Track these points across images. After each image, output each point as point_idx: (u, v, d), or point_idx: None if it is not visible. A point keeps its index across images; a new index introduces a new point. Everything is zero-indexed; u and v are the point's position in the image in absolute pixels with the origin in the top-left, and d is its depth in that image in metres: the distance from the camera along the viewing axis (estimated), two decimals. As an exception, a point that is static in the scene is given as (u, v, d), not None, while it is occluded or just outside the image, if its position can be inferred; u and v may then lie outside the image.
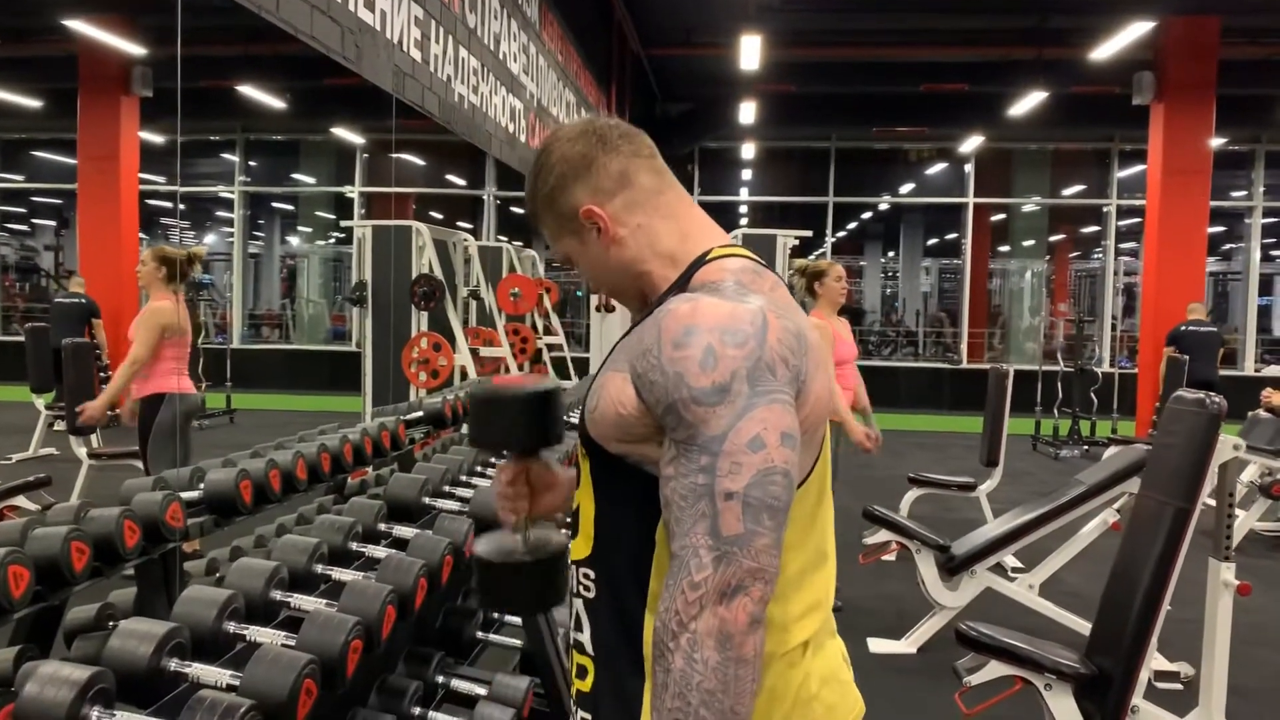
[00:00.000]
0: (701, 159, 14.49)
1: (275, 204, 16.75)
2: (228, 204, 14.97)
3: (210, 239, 18.14)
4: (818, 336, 1.15)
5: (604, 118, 1.30)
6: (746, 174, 16.01)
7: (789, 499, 1.03)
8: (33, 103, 12.27)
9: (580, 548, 1.22)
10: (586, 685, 1.21)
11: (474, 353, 6.93)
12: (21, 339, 8.09)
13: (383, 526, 2.39)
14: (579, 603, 1.22)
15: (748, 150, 14.53)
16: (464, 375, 6.48)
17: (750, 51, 8.94)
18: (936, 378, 13.88)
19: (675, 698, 0.99)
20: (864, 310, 18.14)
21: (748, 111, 11.72)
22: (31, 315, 12.61)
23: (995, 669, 2.81)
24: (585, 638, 1.21)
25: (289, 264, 17.75)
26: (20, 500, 4.64)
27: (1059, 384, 10.52)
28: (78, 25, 9.14)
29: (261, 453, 2.84)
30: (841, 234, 16.83)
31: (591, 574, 1.20)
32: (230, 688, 1.45)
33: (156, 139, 12.44)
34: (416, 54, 3.71)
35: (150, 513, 2.16)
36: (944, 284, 18.69)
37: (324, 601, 1.83)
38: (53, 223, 18.15)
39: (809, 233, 7.69)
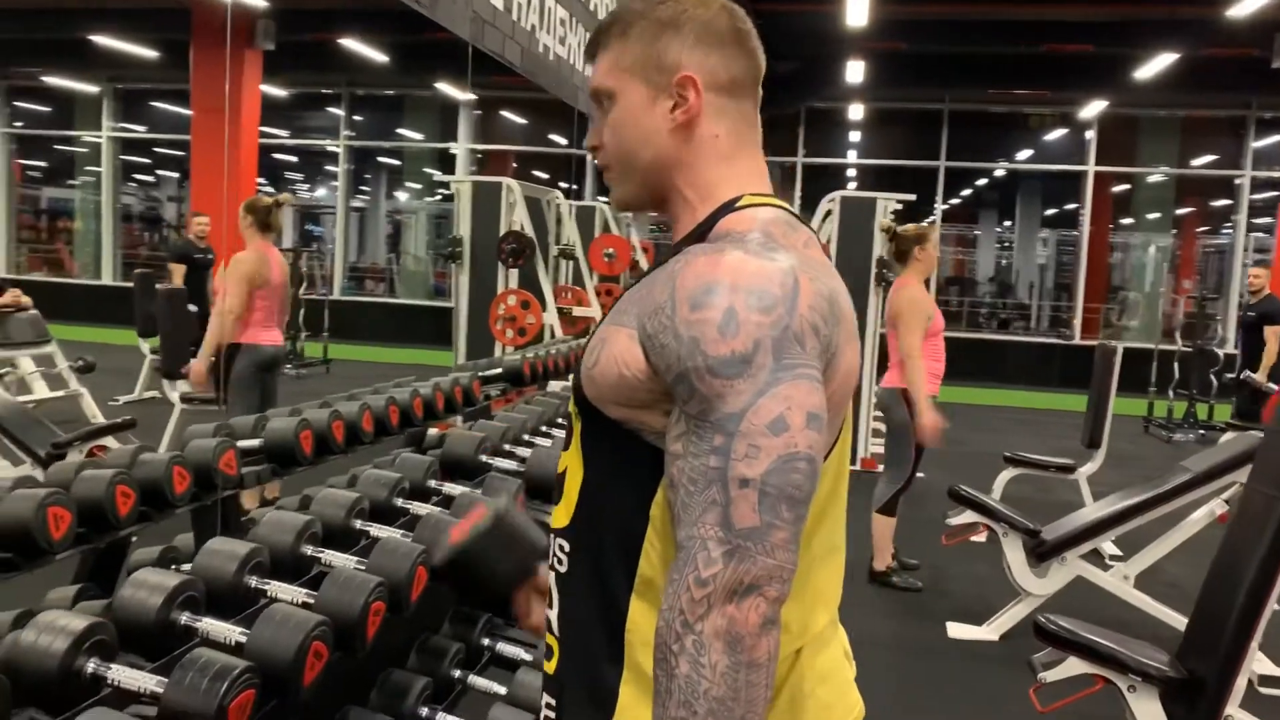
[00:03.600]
0: (808, 119, 14.06)
1: (382, 159, 16.99)
2: (335, 158, 15.26)
3: (320, 192, 18.56)
4: (850, 306, 1.01)
5: None
6: (854, 136, 15.53)
7: (812, 489, 0.91)
8: (149, 53, 12.67)
9: (560, 515, 1.10)
10: (551, 667, 1.11)
11: (563, 312, 6.88)
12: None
13: (433, 484, 2.35)
14: (551, 576, 1.11)
15: (855, 111, 14.06)
16: (552, 334, 6.44)
17: (858, 6, 8.61)
18: (1048, 353, 13.36)
19: (680, 706, 0.88)
20: (975, 280, 17.56)
21: (856, 71, 11.32)
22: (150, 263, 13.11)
23: (1074, 666, 2.64)
24: (554, 615, 1.10)
25: (395, 219, 18.06)
26: (109, 441, 4.76)
27: (1176, 364, 9.97)
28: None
29: (331, 403, 2.83)
30: (955, 201, 16.24)
31: (566, 546, 1.08)
32: (240, 645, 1.41)
33: (271, 91, 12.74)
34: (498, 1, 3.62)
35: (202, 460, 2.16)
36: (1062, 256, 17.91)
37: (354, 559, 1.79)
38: (176, 174, 18.79)
39: (912, 196, 7.33)
